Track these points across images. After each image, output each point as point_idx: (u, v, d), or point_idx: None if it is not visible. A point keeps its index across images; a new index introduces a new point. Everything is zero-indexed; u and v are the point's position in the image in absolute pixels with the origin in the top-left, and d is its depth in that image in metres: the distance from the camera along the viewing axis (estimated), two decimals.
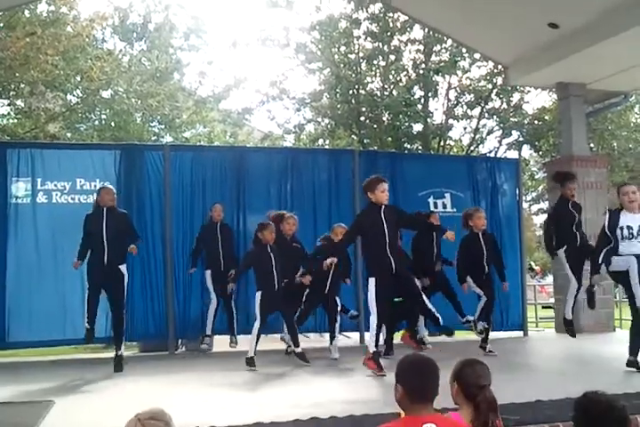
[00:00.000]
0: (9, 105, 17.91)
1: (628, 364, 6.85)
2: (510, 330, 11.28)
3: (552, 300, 13.91)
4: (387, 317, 7.22)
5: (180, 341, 10.43)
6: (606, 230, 6.94)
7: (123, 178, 9.90)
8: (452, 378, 3.21)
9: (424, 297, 7.19)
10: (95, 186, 9.68)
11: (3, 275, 9.22)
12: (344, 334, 10.64)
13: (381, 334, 7.60)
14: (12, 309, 9.16)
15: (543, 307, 17.50)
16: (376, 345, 6.99)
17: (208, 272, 9.54)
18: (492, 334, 9.31)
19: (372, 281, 6.93)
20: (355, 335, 10.84)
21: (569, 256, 8.34)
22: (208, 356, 9.57)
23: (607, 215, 7.06)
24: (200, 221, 10.04)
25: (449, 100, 18.94)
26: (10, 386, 6.71)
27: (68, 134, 18.10)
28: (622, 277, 6.95)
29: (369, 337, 7.13)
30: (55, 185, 9.63)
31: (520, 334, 11.35)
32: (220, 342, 10.05)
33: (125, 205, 9.64)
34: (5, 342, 9.25)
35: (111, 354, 8.05)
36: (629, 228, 6.81)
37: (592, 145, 18.61)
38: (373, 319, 6.89)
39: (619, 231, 6.82)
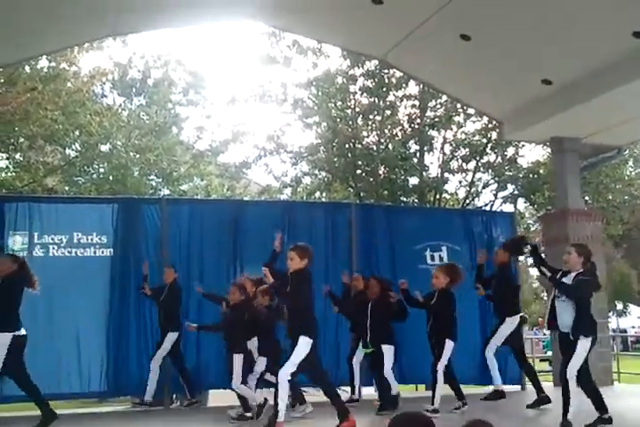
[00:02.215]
0: (7, 159, 17.97)
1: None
2: (508, 384, 11.15)
3: (549, 353, 13.81)
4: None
5: (174, 395, 10.32)
6: None
7: (120, 231, 9.93)
8: None
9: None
10: (92, 239, 9.73)
11: None
12: (340, 387, 10.48)
13: None
14: None
15: (541, 360, 17.36)
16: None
17: None
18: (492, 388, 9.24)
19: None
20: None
21: None
22: (203, 411, 9.44)
23: None
24: (197, 273, 10.03)
25: (444, 154, 19.08)
26: None
27: (66, 188, 18.14)
28: None
29: None
30: (52, 238, 9.63)
31: (518, 388, 11.23)
32: (216, 397, 9.95)
33: (122, 258, 9.71)
34: (1, 396, 9.14)
35: (105, 409, 7.95)
36: None
37: (587, 198, 18.71)
38: None
39: None
